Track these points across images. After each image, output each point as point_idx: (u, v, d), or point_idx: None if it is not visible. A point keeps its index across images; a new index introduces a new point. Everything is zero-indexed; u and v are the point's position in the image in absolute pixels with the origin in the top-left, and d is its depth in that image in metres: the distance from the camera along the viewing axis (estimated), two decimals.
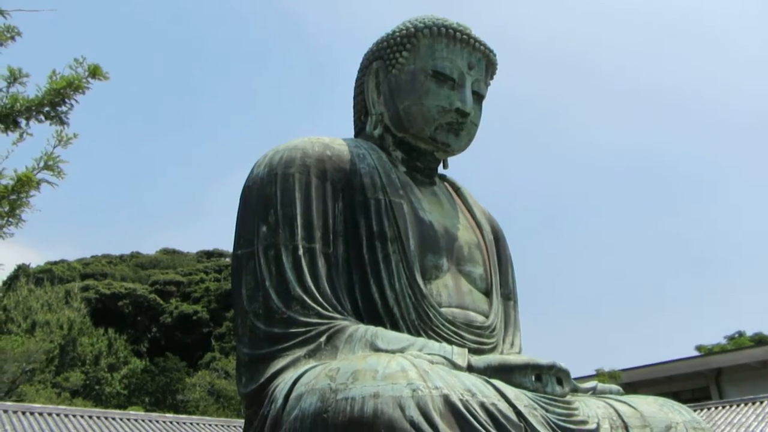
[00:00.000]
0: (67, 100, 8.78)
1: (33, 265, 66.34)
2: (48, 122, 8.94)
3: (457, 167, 12.96)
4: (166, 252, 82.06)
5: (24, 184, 8.13)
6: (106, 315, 55.56)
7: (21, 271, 58.92)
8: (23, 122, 8.73)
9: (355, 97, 12.23)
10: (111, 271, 68.82)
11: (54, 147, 8.93)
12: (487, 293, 12.61)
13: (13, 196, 8.05)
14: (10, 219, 8.40)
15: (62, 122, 8.96)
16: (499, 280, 13.19)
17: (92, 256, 77.80)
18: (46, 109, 8.60)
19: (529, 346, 13.35)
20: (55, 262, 71.70)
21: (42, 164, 8.71)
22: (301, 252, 10.70)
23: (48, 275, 59.52)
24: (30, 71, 8.93)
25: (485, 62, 11.43)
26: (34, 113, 8.57)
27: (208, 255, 79.17)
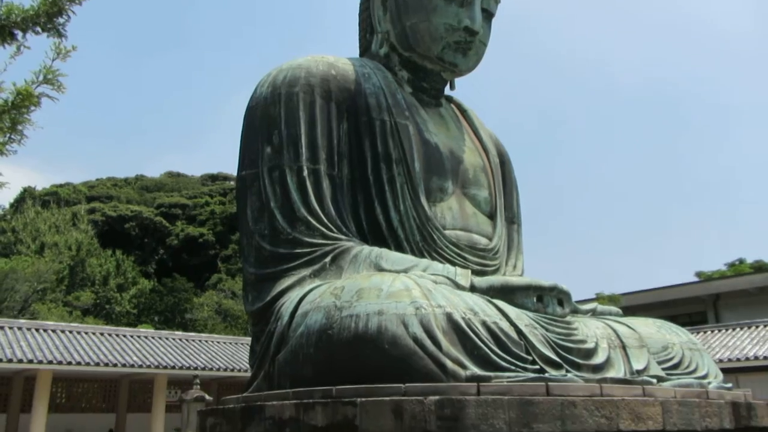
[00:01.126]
0: (63, 11, 8.49)
1: (39, 188, 66.73)
2: (45, 34, 8.68)
3: (463, 88, 12.75)
4: (171, 175, 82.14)
5: (24, 99, 7.98)
6: (113, 237, 56.20)
7: (27, 193, 59.20)
8: (19, 34, 8.46)
9: (360, 14, 11.89)
10: (116, 194, 69.13)
11: (53, 60, 8.70)
12: (491, 216, 12.66)
13: (14, 111, 7.92)
14: (12, 135, 8.30)
15: (60, 34, 8.69)
16: (504, 204, 13.22)
17: (97, 179, 78.00)
18: (43, 20, 8.32)
19: (530, 270, 13.53)
20: (61, 185, 71.96)
21: (41, 78, 8.52)
22: (305, 173, 10.69)
23: (54, 198, 59.84)
24: None
25: None
26: (30, 24, 8.31)
27: (213, 178, 79.28)
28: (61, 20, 8.75)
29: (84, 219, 53.83)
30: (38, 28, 8.69)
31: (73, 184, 73.81)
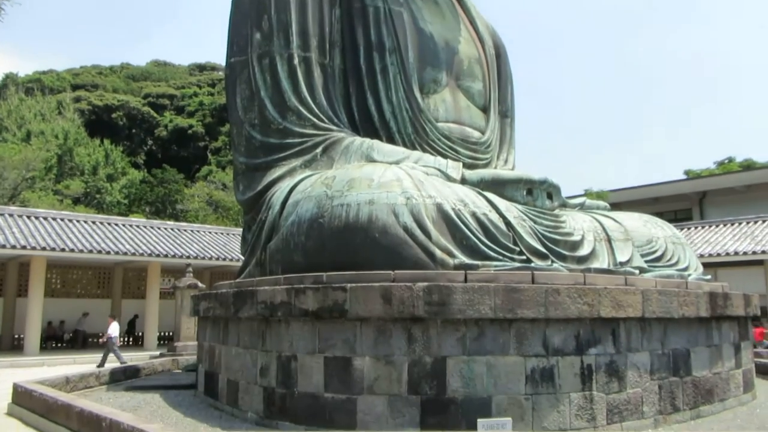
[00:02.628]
0: None
1: (21, 75, 64.83)
2: None
3: None
4: (158, 64, 79.81)
5: None
6: (100, 127, 55.32)
7: (9, 80, 57.59)
8: None
9: None
10: (102, 83, 67.39)
11: None
12: (485, 110, 12.53)
13: None
14: None
15: None
16: (498, 97, 13.06)
17: (81, 67, 75.69)
18: None
19: (521, 165, 13.56)
20: (44, 72, 69.94)
21: None
22: (296, 61, 10.43)
23: (37, 85, 58.28)
24: None
25: None
26: None
27: (201, 68, 77.19)
28: None
29: (69, 107, 52.76)
30: None
31: (57, 72, 71.76)
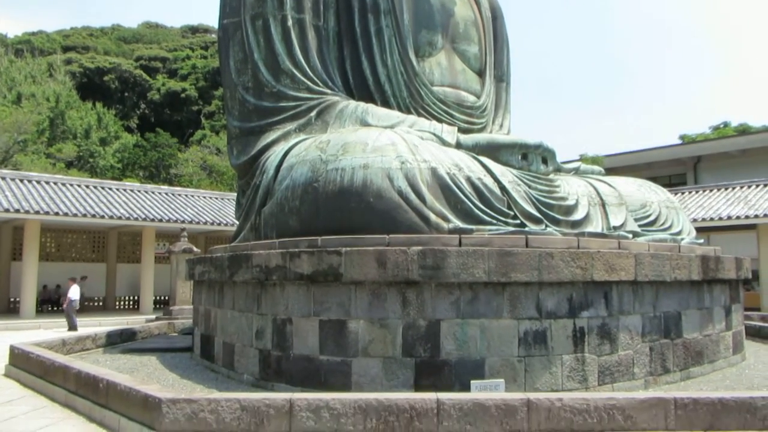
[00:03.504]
0: None
1: (10, 36, 63.74)
2: None
3: None
4: (149, 26, 78.52)
5: None
6: (92, 89, 54.65)
7: None
8: None
9: None
10: (93, 44, 66.33)
11: None
12: (480, 73, 12.42)
13: None
14: None
15: None
16: (494, 61, 12.93)
17: (72, 28, 74.44)
18: None
19: (517, 129, 13.50)
20: (34, 33, 68.83)
21: None
22: (290, 23, 10.27)
23: (27, 46, 57.36)
24: None
25: None
26: None
27: (193, 30, 76.02)
28: None
29: (60, 70, 51.99)
30: None
31: (47, 33, 70.61)
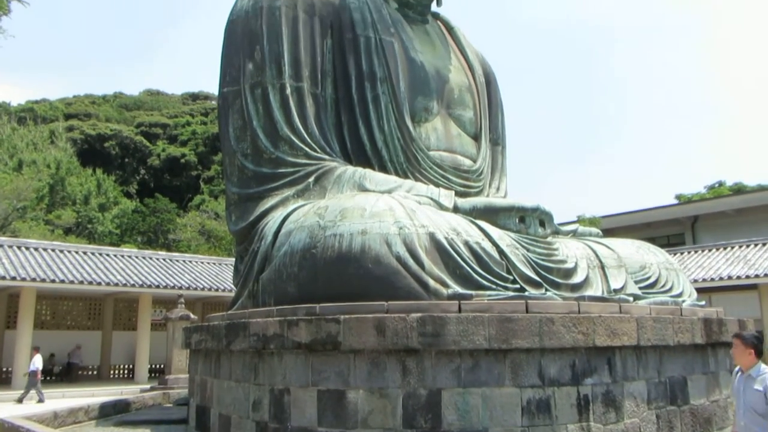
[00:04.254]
0: None
1: (14, 104, 64.97)
2: None
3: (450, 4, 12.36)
4: (150, 93, 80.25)
5: None
6: (92, 156, 55.30)
7: (2, 109, 57.64)
8: None
9: None
10: (95, 112, 67.57)
11: None
12: (476, 137, 12.58)
13: None
14: None
15: None
16: (489, 125, 13.12)
17: (74, 96, 76.03)
18: None
19: (513, 192, 13.59)
20: (37, 102, 70.17)
21: None
22: (288, 91, 10.47)
23: (30, 114, 58.36)
24: None
25: None
26: None
27: (194, 97, 77.68)
28: None
29: (62, 137, 52.76)
30: None
31: (50, 101, 71.94)
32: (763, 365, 5.65)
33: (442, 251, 7.18)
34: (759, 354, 5.74)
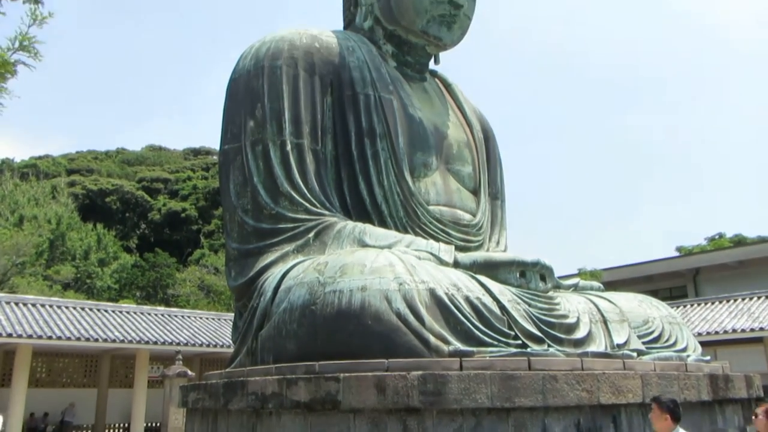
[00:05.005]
0: None
1: (17, 160, 65.65)
2: (21, 0, 8.39)
3: (448, 62, 12.61)
4: (153, 149, 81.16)
5: None
6: (93, 211, 55.54)
7: (5, 165, 58.22)
8: None
9: None
10: (97, 167, 68.23)
11: (29, 26, 8.43)
12: (475, 192, 12.65)
13: None
14: None
15: (36, 0, 8.41)
16: (488, 179, 13.20)
17: (77, 152, 76.89)
18: None
19: (513, 246, 13.57)
20: (40, 157, 70.90)
21: (17, 45, 8.26)
22: (289, 147, 10.58)
23: (33, 170, 58.92)
24: None
25: None
26: None
27: (195, 152, 78.54)
28: None
29: (64, 192, 53.10)
30: None
31: (53, 157, 72.69)
32: (681, 430, 5.67)
33: (442, 307, 7.12)
34: (676, 419, 5.81)
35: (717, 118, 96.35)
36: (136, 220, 59.64)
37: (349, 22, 11.72)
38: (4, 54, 7.83)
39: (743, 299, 23.21)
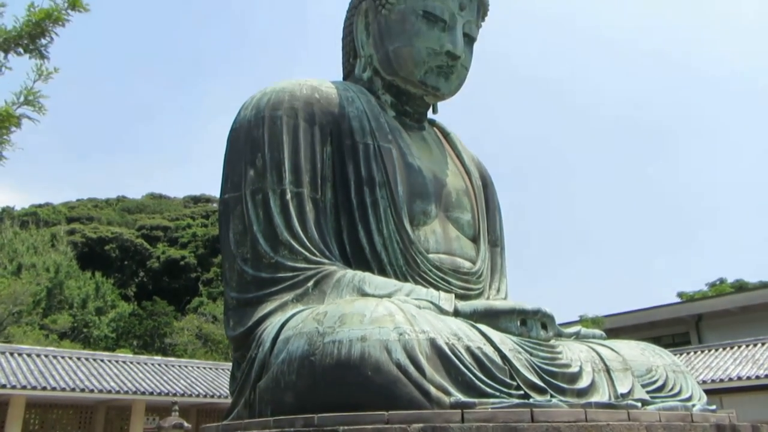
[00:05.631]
0: (46, 33, 8.42)
1: (17, 208, 65.83)
2: (27, 55, 8.59)
3: (446, 112, 12.79)
4: (153, 197, 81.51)
5: (3, 120, 7.86)
6: (92, 259, 55.48)
7: (5, 214, 58.38)
8: (1, 55, 8.36)
9: (343, 39, 11.94)
10: (97, 215, 68.41)
11: (34, 81, 8.61)
12: (475, 239, 12.64)
13: None
14: None
15: (42, 56, 8.61)
16: (487, 227, 13.21)
17: (78, 200, 77.23)
18: (25, 41, 8.24)
19: (514, 293, 13.49)
20: (40, 206, 71.13)
21: (22, 99, 8.42)
22: (288, 196, 10.61)
23: (33, 218, 59.08)
24: (7, 1, 8.56)
25: (477, 3, 11.13)
26: (13, 46, 8.21)
27: (195, 200, 78.86)
28: (43, 41, 8.68)
29: (63, 240, 53.09)
30: (20, 50, 8.61)
31: (53, 205, 72.99)
32: None
33: (443, 357, 7.03)
34: None
35: (715, 164, 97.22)
36: (135, 268, 59.46)
37: (348, 73, 11.92)
38: (9, 108, 7.97)
39: (747, 346, 22.97)
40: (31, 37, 8.52)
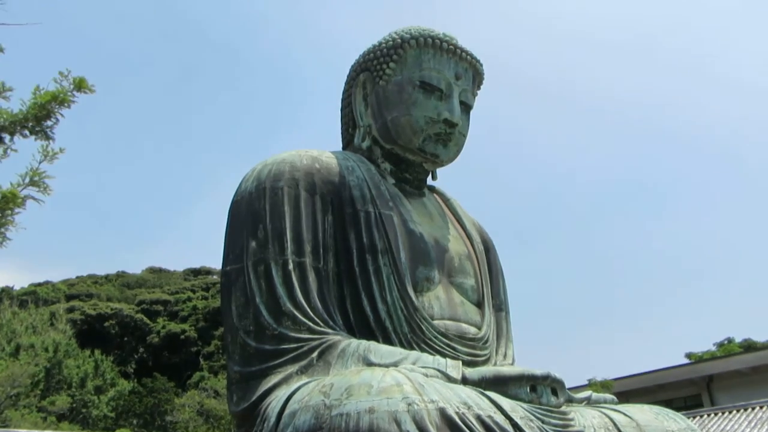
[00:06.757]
0: (52, 115, 8.62)
1: (16, 288, 65.54)
2: (33, 137, 8.77)
3: (446, 178, 12.93)
4: (153, 271, 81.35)
5: (9, 201, 7.94)
6: (92, 336, 54.82)
7: (4, 294, 58.06)
8: (7, 137, 8.54)
9: (342, 109, 12.20)
10: (97, 292, 68.07)
11: (39, 162, 8.76)
12: (479, 304, 12.51)
13: None
14: None
15: (47, 137, 8.80)
16: (491, 291, 13.11)
17: (77, 277, 77.07)
18: (31, 124, 8.43)
19: (521, 357, 13.28)
20: (40, 284, 70.84)
21: (27, 180, 8.54)
22: (291, 267, 10.57)
23: (32, 297, 58.72)
24: (14, 85, 8.79)
25: (472, 72, 11.44)
26: (19, 128, 8.39)
27: (195, 273, 78.66)
28: (49, 123, 8.88)
29: (62, 318, 52.61)
30: (26, 132, 8.78)
31: (53, 283, 72.73)
32: None
33: (453, 427, 6.86)
34: None
35: (718, 224, 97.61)
36: (135, 344, 58.71)
37: (347, 143, 12.11)
38: (15, 190, 8.08)
39: (761, 407, 22.46)
40: (37, 119, 8.71)
